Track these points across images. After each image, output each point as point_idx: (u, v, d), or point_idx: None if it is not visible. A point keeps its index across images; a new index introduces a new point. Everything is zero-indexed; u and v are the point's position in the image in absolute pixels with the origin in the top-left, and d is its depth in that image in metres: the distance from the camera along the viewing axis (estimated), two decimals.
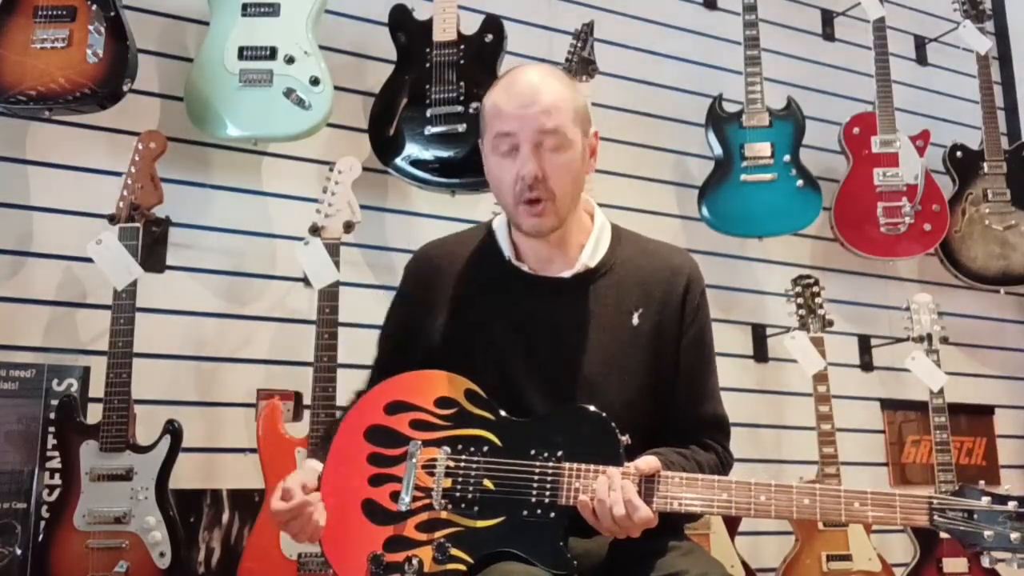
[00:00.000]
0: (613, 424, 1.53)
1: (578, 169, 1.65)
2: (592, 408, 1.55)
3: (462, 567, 1.49)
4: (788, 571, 2.95)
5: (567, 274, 1.69)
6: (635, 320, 1.67)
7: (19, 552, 2.37)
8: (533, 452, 1.54)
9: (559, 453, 1.53)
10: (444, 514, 1.53)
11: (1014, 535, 1.42)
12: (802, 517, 1.48)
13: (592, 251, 1.71)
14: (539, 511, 1.51)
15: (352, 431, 1.63)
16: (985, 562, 1.45)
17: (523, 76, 1.66)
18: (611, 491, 1.45)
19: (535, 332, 1.66)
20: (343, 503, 1.57)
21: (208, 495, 2.64)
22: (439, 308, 1.72)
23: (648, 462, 1.49)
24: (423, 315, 1.73)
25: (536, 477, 1.53)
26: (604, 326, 1.66)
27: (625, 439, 1.53)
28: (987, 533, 1.42)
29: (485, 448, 1.57)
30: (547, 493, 1.51)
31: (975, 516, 1.43)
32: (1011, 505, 1.43)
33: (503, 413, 1.60)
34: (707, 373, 1.74)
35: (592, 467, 1.51)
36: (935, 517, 1.44)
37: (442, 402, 1.61)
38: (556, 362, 1.64)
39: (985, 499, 1.44)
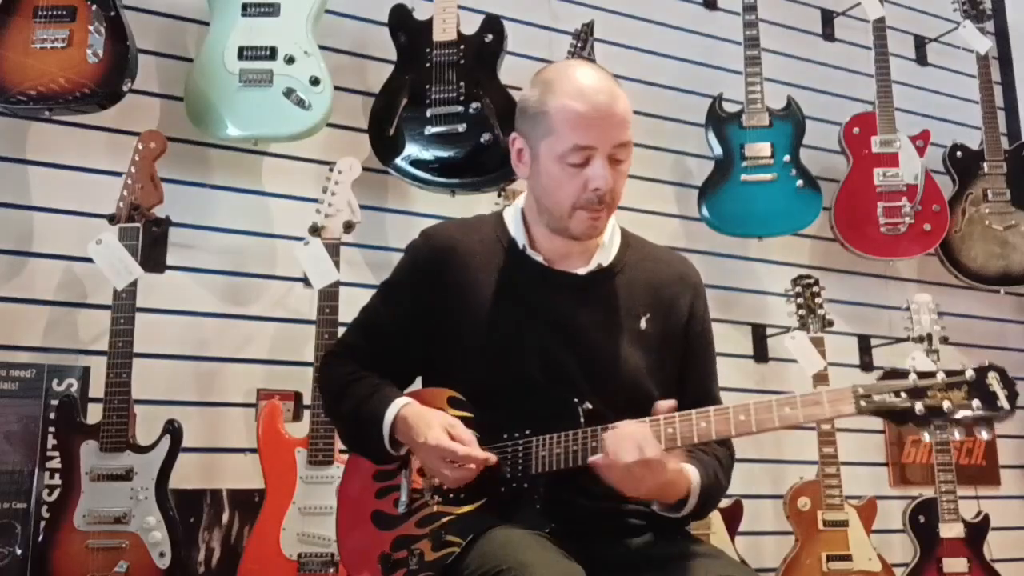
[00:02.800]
0: (570, 396, 1.62)
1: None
2: (552, 388, 1.64)
3: (456, 549, 1.59)
4: (788, 571, 2.95)
5: (581, 271, 1.73)
6: (643, 324, 1.72)
7: (19, 552, 2.37)
8: (505, 436, 1.64)
9: (527, 431, 1.63)
10: (436, 508, 1.65)
11: (946, 403, 1.43)
12: (741, 432, 1.53)
13: (606, 251, 1.75)
14: (514, 484, 1.62)
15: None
16: (926, 437, 1.46)
17: (595, 82, 1.64)
18: (624, 439, 1.51)
19: (547, 324, 1.69)
20: (357, 517, 1.73)
21: (208, 495, 2.64)
22: (452, 290, 1.73)
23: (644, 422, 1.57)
24: (434, 295, 1.73)
25: (508, 456, 1.63)
26: (613, 326, 1.71)
27: (586, 405, 1.61)
28: (918, 407, 1.43)
29: None
30: (519, 467, 1.62)
31: (903, 394, 1.44)
32: (940, 376, 1.44)
33: (480, 410, 1.68)
34: (712, 374, 1.83)
35: (555, 435, 1.61)
36: (861, 403, 1.46)
37: None
38: (566, 356, 1.67)
39: (912, 376, 1.45)
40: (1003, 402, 1.42)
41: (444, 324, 1.72)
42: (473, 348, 1.69)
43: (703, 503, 1.63)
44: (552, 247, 1.74)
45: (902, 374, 1.46)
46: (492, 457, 1.59)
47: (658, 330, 1.73)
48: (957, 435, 1.45)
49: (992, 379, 1.43)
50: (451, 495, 1.64)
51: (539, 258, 1.74)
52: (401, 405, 1.65)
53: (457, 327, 1.71)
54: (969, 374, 1.44)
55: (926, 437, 1.46)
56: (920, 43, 4.06)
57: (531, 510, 1.59)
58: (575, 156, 1.62)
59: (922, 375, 1.45)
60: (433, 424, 1.59)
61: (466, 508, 1.63)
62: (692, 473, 1.61)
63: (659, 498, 1.59)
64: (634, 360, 1.69)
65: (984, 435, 1.43)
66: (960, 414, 1.43)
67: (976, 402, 1.42)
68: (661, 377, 1.71)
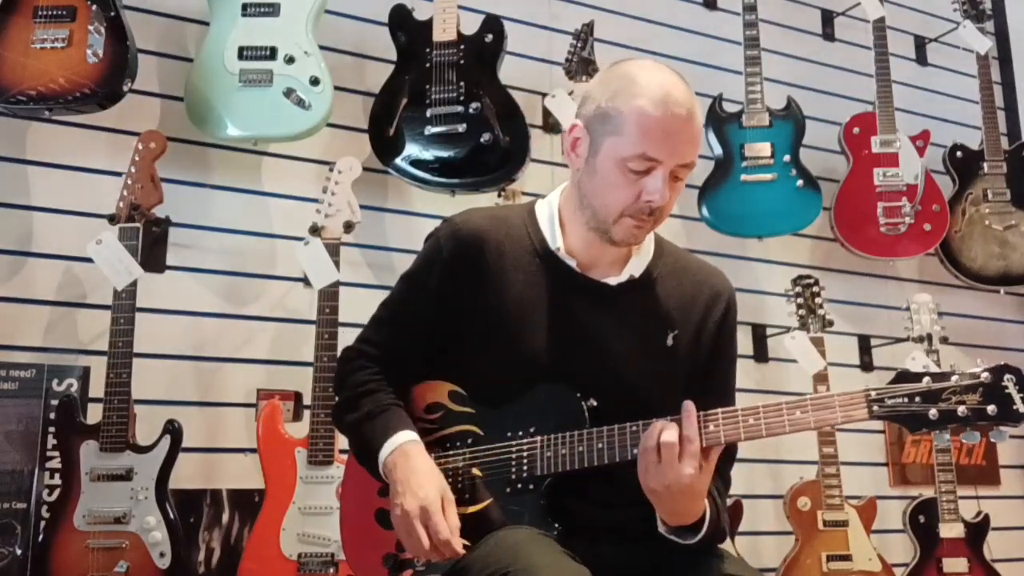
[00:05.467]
0: (575, 392, 1.59)
1: None
2: (555, 384, 1.61)
3: (463, 551, 1.56)
4: (788, 571, 2.95)
5: (612, 281, 1.67)
6: (669, 341, 1.67)
7: (19, 552, 2.38)
8: (509, 434, 1.62)
9: (531, 429, 1.60)
10: None
11: (961, 408, 1.38)
12: (750, 436, 1.49)
13: (640, 260, 1.69)
14: (519, 485, 1.59)
15: None
16: (939, 443, 1.43)
17: (673, 89, 1.58)
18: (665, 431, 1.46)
19: (571, 333, 1.65)
20: (360, 515, 1.72)
21: (208, 495, 2.64)
22: (478, 287, 1.66)
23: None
24: (458, 290, 1.66)
25: (514, 455, 1.60)
26: (639, 341, 1.66)
27: (591, 403, 1.59)
28: (932, 412, 1.39)
29: (469, 440, 1.65)
30: (524, 467, 1.59)
31: (917, 398, 1.40)
32: (954, 379, 1.39)
33: (482, 406, 1.65)
34: (731, 389, 1.78)
35: (561, 435, 1.58)
36: (874, 408, 1.42)
37: (430, 408, 1.70)
38: (586, 367, 1.63)
39: (926, 379, 1.40)
40: (1019, 406, 1.36)
41: (464, 319, 1.66)
42: (490, 347, 1.65)
43: (711, 536, 1.57)
44: (586, 251, 1.67)
45: (915, 377, 1.41)
46: (460, 552, 1.53)
47: (685, 347, 1.67)
48: (971, 440, 1.40)
49: (1008, 381, 1.37)
50: (455, 495, 1.60)
51: (571, 263, 1.66)
52: (404, 441, 1.61)
53: (477, 324, 1.65)
54: (984, 376, 1.38)
55: (941, 441, 1.44)
56: (920, 43, 4.06)
57: (537, 512, 1.57)
58: (638, 164, 1.55)
59: (936, 377, 1.40)
60: (429, 488, 1.54)
61: (471, 509, 1.60)
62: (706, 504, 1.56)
63: (674, 506, 1.52)
64: (655, 377, 1.65)
65: (998, 439, 1.39)
66: (975, 420, 1.37)
67: (992, 407, 1.37)
68: (682, 395, 1.61)
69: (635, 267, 1.68)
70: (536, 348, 1.63)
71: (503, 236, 1.69)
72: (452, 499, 1.56)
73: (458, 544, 1.52)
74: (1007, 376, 1.38)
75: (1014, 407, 1.37)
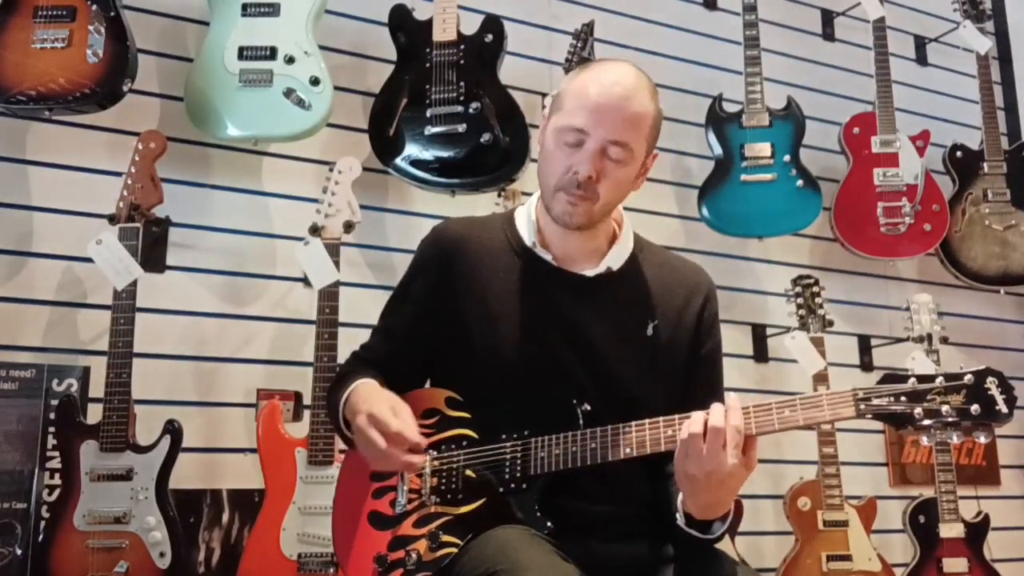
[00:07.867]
0: (570, 395, 1.62)
1: (628, 184, 1.68)
2: (549, 386, 1.64)
3: (454, 549, 1.59)
4: (788, 571, 2.95)
5: (590, 273, 1.71)
6: (649, 331, 1.71)
7: (19, 552, 2.38)
8: (504, 436, 1.64)
9: (525, 432, 1.63)
10: (434, 508, 1.65)
11: (945, 407, 1.43)
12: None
13: (616, 255, 1.73)
14: (512, 485, 1.61)
15: (358, 453, 1.75)
16: (925, 441, 1.47)
17: (617, 73, 1.64)
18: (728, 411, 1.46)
19: (551, 325, 1.68)
20: (353, 517, 1.73)
21: (208, 495, 2.64)
22: (460, 288, 1.72)
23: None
24: (442, 292, 1.73)
25: (508, 456, 1.63)
26: (618, 331, 1.69)
27: (585, 407, 1.61)
28: (917, 411, 1.44)
29: (464, 443, 1.67)
30: (518, 467, 1.62)
31: (903, 398, 1.45)
32: (939, 381, 1.45)
33: (478, 410, 1.68)
34: (720, 384, 1.79)
35: (554, 435, 1.61)
36: (861, 406, 1.46)
37: (427, 413, 1.71)
38: (569, 359, 1.66)
39: (912, 380, 1.46)
40: (1001, 407, 1.42)
41: (450, 322, 1.71)
42: (476, 347, 1.68)
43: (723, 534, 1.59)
44: (561, 245, 1.72)
45: (902, 378, 1.47)
46: (424, 441, 1.57)
47: (665, 338, 1.71)
48: (956, 438, 1.46)
49: (991, 383, 1.43)
50: (449, 496, 1.64)
51: (548, 257, 1.72)
52: (357, 384, 1.66)
53: (462, 326, 1.70)
54: (968, 378, 1.44)
55: (925, 440, 1.48)
56: (920, 43, 4.06)
57: (530, 511, 1.59)
58: (569, 136, 1.62)
59: (921, 379, 1.46)
60: (376, 402, 1.58)
61: (464, 509, 1.62)
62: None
63: (710, 497, 1.50)
64: (636, 366, 1.68)
65: (982, 439, 1.44)
66: (959, 419, 1.43)
67: (975, 407, 1.43)
68: (663, 384, 1.69)
69: (613, 260, 1.72)
70: (517, 343, 1.67)
71: (484, 240, 1.76)
72: (406, 407, 1.58)
73: (414, 434, 1.54)
74: (990, 378, 1.44)
75: (996, 407, 1.42)
